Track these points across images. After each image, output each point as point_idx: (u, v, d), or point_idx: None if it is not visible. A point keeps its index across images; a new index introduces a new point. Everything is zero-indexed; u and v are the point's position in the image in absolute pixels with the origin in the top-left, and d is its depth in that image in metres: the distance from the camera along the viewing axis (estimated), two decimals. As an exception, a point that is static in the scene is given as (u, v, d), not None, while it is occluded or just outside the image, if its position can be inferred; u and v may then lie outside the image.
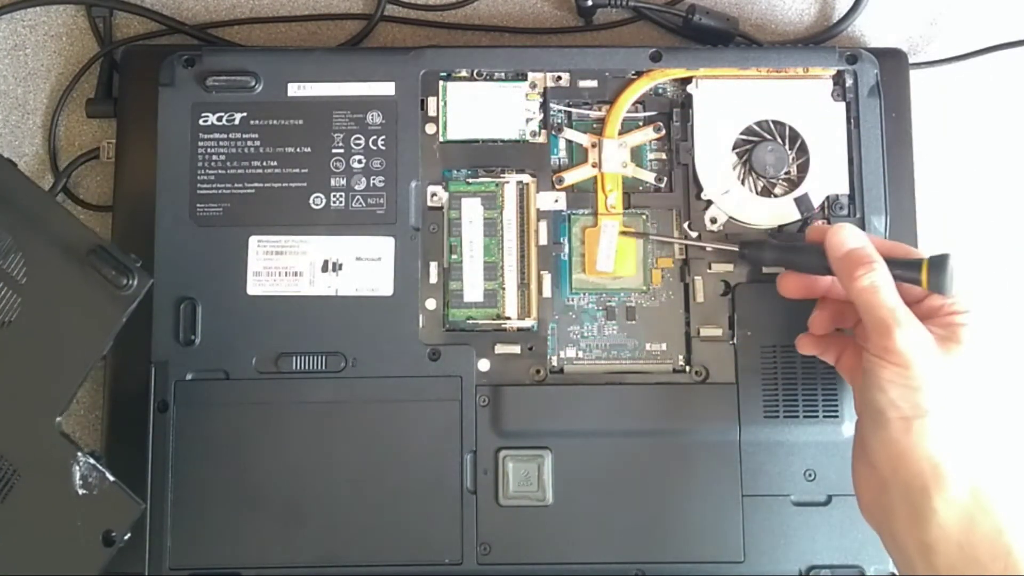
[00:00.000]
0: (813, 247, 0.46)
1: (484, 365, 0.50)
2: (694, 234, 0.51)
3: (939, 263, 0.43)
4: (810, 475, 0.49)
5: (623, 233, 0.51)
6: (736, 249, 0.49)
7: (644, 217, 0.52)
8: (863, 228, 0.51)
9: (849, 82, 0.52)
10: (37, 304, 0.44)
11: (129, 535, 0.44)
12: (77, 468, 0.43)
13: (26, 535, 0.44)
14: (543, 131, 0.52)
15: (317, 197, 0.51)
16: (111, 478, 0.44)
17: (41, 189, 0.46)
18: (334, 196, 0.51)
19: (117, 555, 0.49)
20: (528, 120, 0.52)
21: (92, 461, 0.44)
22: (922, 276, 0.43)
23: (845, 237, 0.44)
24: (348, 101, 0.51)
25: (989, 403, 0.42)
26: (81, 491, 0.43)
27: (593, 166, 0.52)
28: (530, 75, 0.52)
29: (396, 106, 0.52)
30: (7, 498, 0.44)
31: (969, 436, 0.41)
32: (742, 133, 0.52)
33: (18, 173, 0.46)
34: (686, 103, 0.52)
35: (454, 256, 0.51)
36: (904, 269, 0.43)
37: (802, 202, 0.51)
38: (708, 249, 0.51)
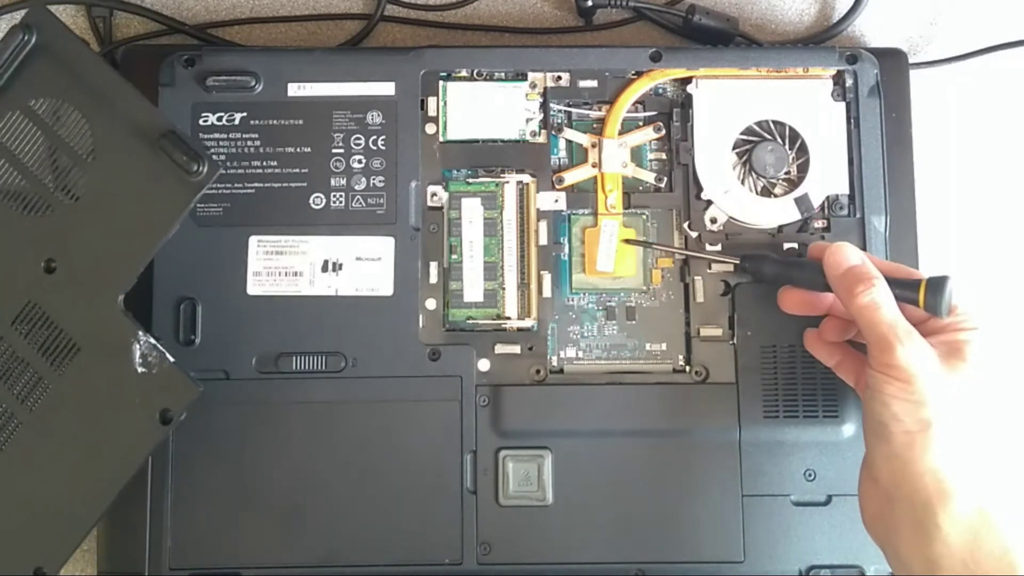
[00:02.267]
0: (814, 264, 0.46)
1: (484, 365, 0.50)
2: (694, 234, 0.51)
3: (937, 284, 0.43)
4: (810, 475, 0.49)
5: (626, 242, 0.51)
6: (737, 262, 0.49)
7: (644, 217, 0.52)
8: (863, 228, 0.51)
9: (849, 82, 0.52)
10: (105, 183, 0.45)
11: (184, 415, 0.44)
12: (137, 347, 0.44)
13: (85, 409, 0.44)
14: (543, 131, 0.52)
15: (317, 197, 0.51)
16: (171, 359, 0.44)
17: (113, 70, 0.46)
18: (334, 196, 0.51)
19: (117, 555, 0.49)
20: (528, 120, 0.52)
21: (152, 341, 0.44)
22: (920, 296, 0.43)
23: (844, 256, 0.44)
24: (348, 101, 0.52)
25: (994, 419, 0.42)
26: (140, 369, 0.44)
27: (593, 166, 0.52)
28: (530, 75, 0.53)
29: (396, 106, 0.52)
30: (66, 372, 0.44)
31: (974, 451, 0.41)
32: (742, 133, 0.52)
33: (90, 52, 0.46)
34: (686, 103, 0.52)
35: (454, 256, 0.51)
36: (902, 289, 0.43)
37: (802, 202, 0.51)
38: (708, 259, 0.50)
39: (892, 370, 0.41)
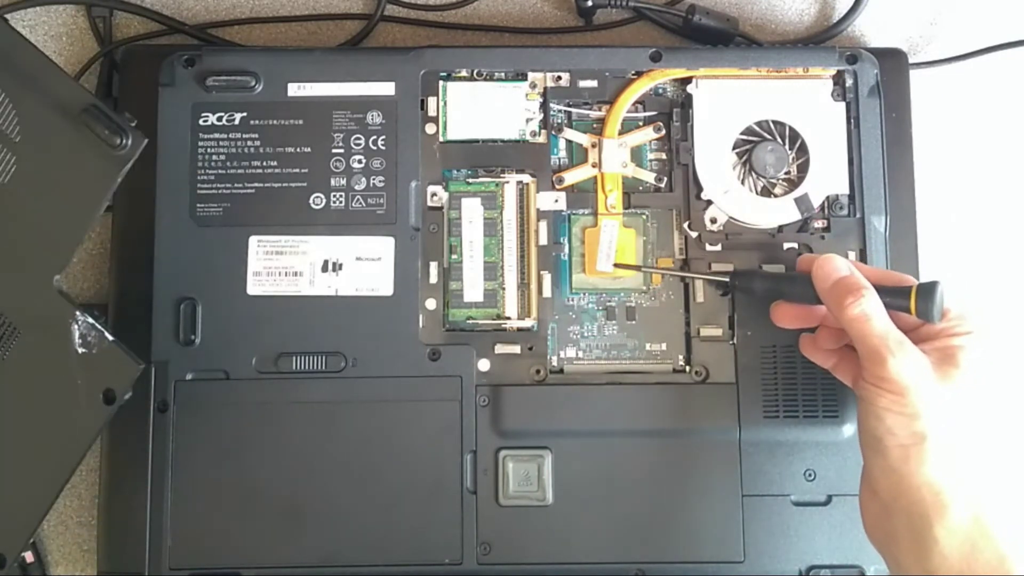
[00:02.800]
0: (804, 277, 0.46)
1: (484, 365, 0.50)
2: (694, 234, 0.51)
3: (927, 290, 0.42)
4: (810, 475, 0.49)
5: (616, 266, 0.51)
6: (727, 280, 0.49)
7: (644, 217, 0.52)
8: (863, 228, 0.51)
9: (849, 82, 0.52)
10: (32, 163, 0.44)
11: (130, 394, 0.44)
12: (76, 327, 0.43)
13: (27, 393, 0.44)
14: (543, 131, 0.52)
15: (317, 197, 0.51)
16: (110, 337, 0.43)
17: (33, 45, 0.45)
18: (334, 196, 0.51)
19: (117, 555, 0.49)
20: (528, 120, 0.52)
21: (91, 320, 0.43)
22: (911, 304, 0.43)
23: (833, 267, 0.44)
24: (348, 101, 0.52)
25: (990, 427, 0.41)
26: (80, 350, 0.43)
27: (593, 166, 0.52)
28: (530, 75, 0.53)
29: (396, 106, 0.52)
30: (7, 356, 0.44)
31: (970, 461, 0.41)
32: (742, 133, 0.52)
33: (10, 29, 0.45)
34: (686, 103, 0.52)
35: (454, 256, 0.51)
36: (892, 297, 0.43)
37: (802, 202, 0.51)
38: (698, 278, 0.50)
39: (884, 383, 0.41)
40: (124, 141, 0.43)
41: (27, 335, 0.44)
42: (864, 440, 0.43)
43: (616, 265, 0.51)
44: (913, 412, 0.40)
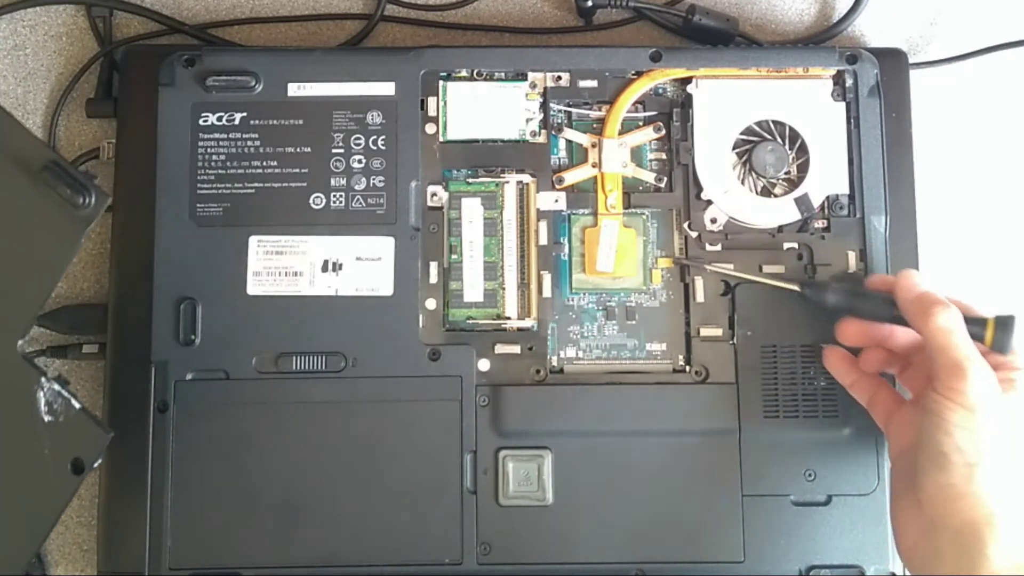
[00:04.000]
0: (877, 294, 0.46)
1: (484, 365, 0.50)
2: (694, 234, 0.51)
3: (1006, 323, 0.43)
4: (810, 475, 0.49)
5: (676, 261, 0.51)
6: (797, 289, 0.49)
7: (644, 217, 0.52)
8: (863, 228, 0.51)
9: (849, 82, 0.52)
10: None
11: (100, 462, 0.42)
12: (42, 394, 0.42)
13: None
14: (543, 131, 0.52)
15: (317, 197, 0.51)
16: (77, 405, 0.42)
17: None
18: (334, 196, 0.51)
19: (117, 555, 0.49)
20: (528, 120, 0.52)
21: (57, 387, 0.42)
22: (987, 334, 0.43)
23: (918, 280, 0.45)
24: (348, 101, 0.52)
25: None
26: (47, 418, 0.42)
27: (593, 166, 0.52)
28: (530, 75, 0.53)
29: (396, 106, 0.52)
30: None
31: (1022, 480, 0.41)
32: (742, 133, 0.52)
33: None
34: (686, 103, 0.52)
35: (454, 256, 0.51)
36: (970, 325, 0.43)
37: (802, 202, 0.51)
38: (767, 284, 0.50)
39: (960, 396, 0.41)
40: (87, 200, 0.41)
41: None
42: (924, 454, 0.42)
43: (676, 261, 0.51)
44: (982, 430, 0.41)
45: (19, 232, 0.42)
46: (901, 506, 0.44)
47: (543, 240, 0.51)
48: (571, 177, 0.52)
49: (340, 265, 0.50)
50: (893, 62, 0.53)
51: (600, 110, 0.52)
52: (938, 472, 0.42)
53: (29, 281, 0.42)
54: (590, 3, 0.56)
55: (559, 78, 0.53)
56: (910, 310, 0.44)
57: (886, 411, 0.47)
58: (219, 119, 0.51)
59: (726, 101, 0.52)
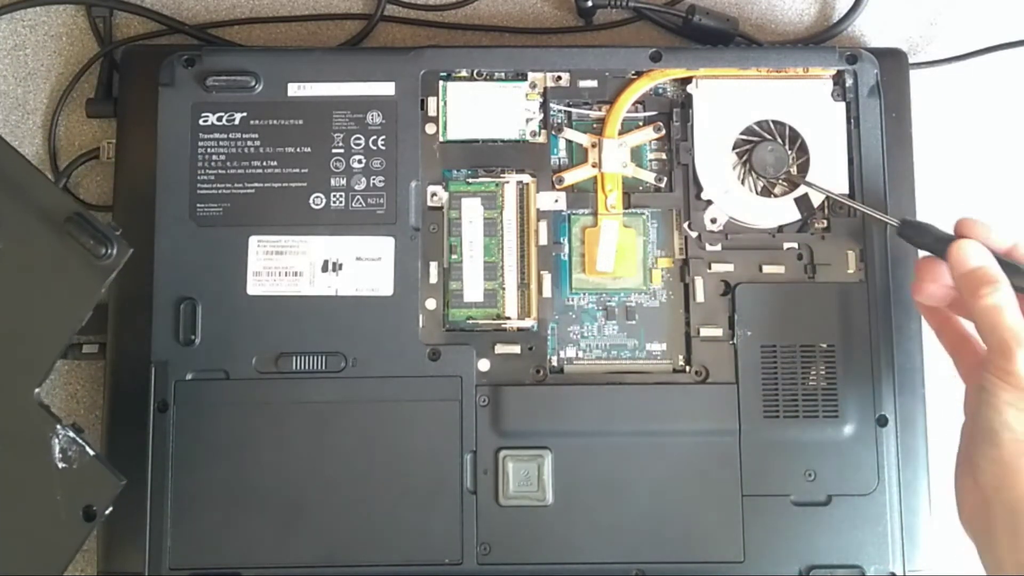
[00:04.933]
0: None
1: (484, 365, 0.50)
2: (694, 234, 0.51)
3: None
4: (810, 475, 0.49)
5: (796, 179, 0.50)
6: (896, 223, 0.48)
7: (644, 217, 0.52)
8: (863, 228, 0.51)
9: (849, 82, 0.52)
10: (13, 272, 0.43)
11: (111, 509, 0.43)
12: (56, 441, 0.42)
13: (4, 508, 0.43)
14: (543, 131, 0.52)
15: (317, 197, 0.51)
16: (91, 452, 0.42)
17: (17, 152, 0.44)
18: (334, 196, 0.51)
19: (118, 555, 0.49)
20: (528, 120, 0.52)
21: (72, 434, 0.42)
22: None
23: (969, 254, 0.44)
24: (348, 101, 0.52)
25: None
26: (61, 464, 0.42)
27: (593, 166, 0.52)
28: (530, 75, 0.53)
29: (396, 106, 0.52)
30: None
31: None
32: (742, 133, 0.52)
33: None
34: (686, 103, 0.52)
35: (454, 256, 0.51)
36: (1014, 277, 0.43)
37: (802, 202, 0.51)
38: (868, 212, 0.49)
39: (1010, 377, 0.41)
40: (109, 251, 0.42)
41: (5, 448, 0.42)
42: (976, 429, 0.43)
43: (795, 178, 0.50)
44: None
45: (40, 281, 0.43)
46: (963, 479, 0.44)
47: (543, 240, 0.51)
48: (571, 177, 0.52)
49: (340, 265, 0.50)
50: (893, 62, 0.54)
51: (600, 110, 0.52)
52: (988, 448, 0.42)
53: (48, 329, 0.43)
54: (590, 3, 0.56)
55: (559, 78, 0.53)
56: (961, 286, 0.44)
57: (968, 367, 0.46)
58: (219, 119, 0.51)
59: (726, 101, 0.52)
